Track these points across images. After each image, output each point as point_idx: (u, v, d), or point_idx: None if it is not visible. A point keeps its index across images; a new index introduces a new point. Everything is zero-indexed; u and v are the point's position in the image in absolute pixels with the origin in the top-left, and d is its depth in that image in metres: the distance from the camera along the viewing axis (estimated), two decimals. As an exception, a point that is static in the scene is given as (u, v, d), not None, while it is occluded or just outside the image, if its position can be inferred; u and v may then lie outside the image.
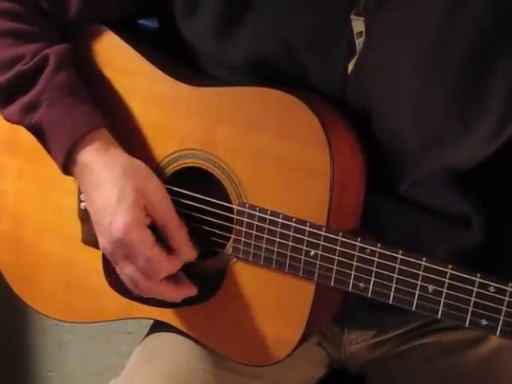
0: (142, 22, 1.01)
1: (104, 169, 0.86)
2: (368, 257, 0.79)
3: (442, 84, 0.81)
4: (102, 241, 0.86)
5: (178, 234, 0.86)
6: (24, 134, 0.94)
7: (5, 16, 0.91)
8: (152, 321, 1.01)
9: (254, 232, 0.84)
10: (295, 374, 0.99)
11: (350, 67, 0.83)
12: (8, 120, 0.93)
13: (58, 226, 0.99)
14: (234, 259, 0.87)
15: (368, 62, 0.82)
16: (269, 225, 0.83)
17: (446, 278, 0.76)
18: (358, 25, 0.81)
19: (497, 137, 0.85)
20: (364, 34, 0.81)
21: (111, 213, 0.84)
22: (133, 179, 0.85)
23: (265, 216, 0.83)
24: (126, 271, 0.86)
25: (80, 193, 0.96)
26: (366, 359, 1.01)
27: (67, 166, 0.89)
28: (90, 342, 1.72)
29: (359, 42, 0.81)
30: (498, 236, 0.93)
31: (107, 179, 0.86)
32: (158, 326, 0.98)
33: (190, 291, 0.88)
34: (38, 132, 0.90)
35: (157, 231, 0.86)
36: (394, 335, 1.00)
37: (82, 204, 0.96)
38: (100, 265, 0.96)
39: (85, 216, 0.96)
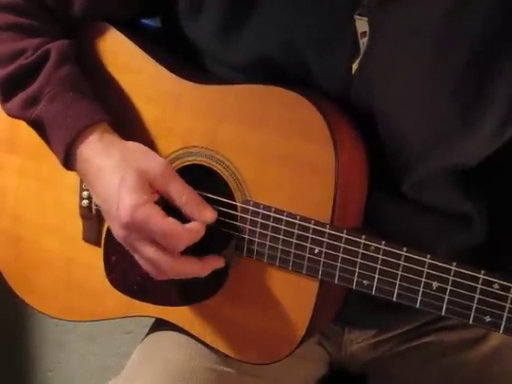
0: (143, 21, 1.01)
1: (103, 158, 0.86)
2: (372, 254, 0.79)
3: (445, 84, 0.82)
4: (115, 229, 0.86)
5: (189, 200, 0.84)
6: (24, 131, 0.95)
7: (7, 10, 0.91)
8: (152, 320, 1.01)
9: (258, 229, 0.84)
10: (296, 373, 0.99)
11: (354, 67, 0.83)
12: (9, 114, 0.93)
13: (58, 223, 0.99)
14: (238, 257, 0.87)
15: (372, 62, 0.82)
16: (273, 222, 0.83)
17: (450, 275, 0.76)
18: (361, 25, 0.81)
19: (499, 136, 0.85)
20: (368, 34, 0.81)
21: (116, 198, 0.83)
22: (132, 161, 0.85)
23: (269, 213, 0.83)
24: (145, 253, 0.84)
25: (81, 190, 0.96)
26: (367, 359, 1.02)
27: (68, 161, 0.88)
28: (90, 342, 1.72)
29: (363, 42, 0.82)
30: (499, 235, 0.94)
31: (107, 168, 0.85)
32: (159, 326, 0.98)
33: (217, 263, 0.86)
34: (38, 126, 0.90)
35: (172, 209, 0.85)
36: (395, 335, 1.00)
37: (84, 201, 0.96)
38: (101, 263, 0.96)
39: (86, 213, 0.96)
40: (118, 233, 0.85)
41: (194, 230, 0.83)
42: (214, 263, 0.86)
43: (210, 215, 0.85)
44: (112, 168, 0.85)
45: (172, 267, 0.84)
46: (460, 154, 0.86)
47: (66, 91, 0.88)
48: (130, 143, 0.88)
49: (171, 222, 0.82)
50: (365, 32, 0.81)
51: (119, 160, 0.85)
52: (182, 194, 0.84)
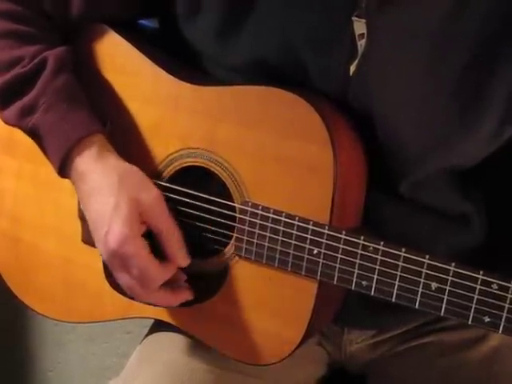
0: (141, 22, 1.01)
1: (99, 177, 0.86)
2: (371, 255, 0.79)
3: (443, 85, 0.82)
4: (101, 249, 0.87)
5: (172, 242, 0.86)
6: (23, 134, 0.94)
7: (5, 17, 0.91)
8: (152, 321, 1.01)
9: (257, 231, 0.84)
10: (296, 373, 0.99)
11: (352, 69, 0.83)
12: (6, 122, 0.93)
13: (57, 225, 0.99)
14: (236, 258, 0.86)
15: (370, 64, 0.82)
16: (271, 223, 0.83)
17: (449, 275, 0.76)
18: (359, 27, 0.81)
19: (498, 137, 0.85)
20: (366, 35, 0.81)
21: (107, 223, 0.84)
22: (128, 188, 0.86)
23: (267, 214, 0.83)
24: (122, 280, 0.87)
25: (80, 192, 0.96)
26: (366, 359, 1.02)
27: (63, 171, 0.89)
28: (89, 342, 1.72)
29: (361, 44, 0.82)
30: (498, 235, 0.94)
31: (102, 188, 0.86)
32: (158, 326, 0.98)
33: (186, 296, 0.89)
34: (35, 136, 0.90)
35: (152, 237, 0.87)
36: (394, 335, 1.00)
37: (83, 204, 0.96)
38: (100, 264, 0.95)
39: (85, 216, 0.96)
40: (103, 254, 0.87)
41: (168, 272, 0.86)
42: (184, 296, 0.89)
43: (182, 262, 0.87)
44: (107, 190, 0.86)
45: (144, 297, 0.88)
46: (458, 155, 0.86)
47: (61, 102, 0.87)
48: (129, 166, 0.88)
49: (152, 263, 0.85)
50: (363, 34, 0.81)
51: (116, 183, 0.86)
52: (166, 231, 0.86)
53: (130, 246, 0.84)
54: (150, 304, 0.90)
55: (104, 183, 0.86)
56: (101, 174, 0.86)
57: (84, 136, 0.87)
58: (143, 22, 1.01)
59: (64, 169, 0.88)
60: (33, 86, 0.88)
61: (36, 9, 0.91)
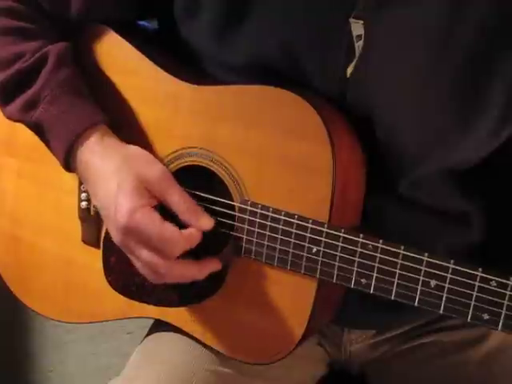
0: (140, 23, 1.02)
1: (103, 161, 0.87)
2: (370, 253, 0.79)
3: (441, 86, 0.82)
4: (113, 232, 0.86)
5: (187, 207, 0.85)
6: (23, 134, 0.95)
7: (5, 15, 0.91)
8: (152, 321, 1.01)
9: (256, 229, 0.84)
10: (295, 373, 0.99)
11: (350, 70, 0.83)
12: (9, 118, 0.93)
13: (57, 225, 0.99)
14: (236, 257, 0.87)
15: (367, 65, 0.82)
16: (271, 222, 0.83)
17: (448, 272, 0.76)
18: (357, 28, 0.81)
19: (496, 137, 0.86)
20: (363, 37, 0.81)
21: (114, 201, 0.84)
22: (132, 165, 0.85)
23: (267, 213, 0.83)
24: (142, 257, 0.85)
25: (80, 192, 0.96)
26: (366, 359, 1.02)
27: (69, 163, 0.89)
28: (89, 342, 1.72)
29: (358, 45, 0.82)
30: (498, 235, 0.94)
31: (107, 171, 0.86)
32: (158, 326, 0.98)
33: (214, 266, 0.86)
34: (38, 129, 0.90)
35: (169, 214, 0.85)
36: (394, 335, 1.00)
37: (83, 203, 0.96)
38: (100, 264, 0.96)
39: (85, 215, 0.97)
40: (116, 236, 0.86)
41: (190, 236, 0.84)
42: (212, 266, 0.86)
43: (206, 223, 0.85)
44: (111, 171, 0.86)
45: (169, 271, 0.85)
46: (457, 155, 0.86)
47: (64, 94, 0.88)
48: (132, 147, 0.88)
49: (168, 228, 0.83)
50: (360, 35, 0.81)
51: (120, 163, 0.86)
52: (179, 201, 0.85)
53: (140, 216, 0.83)
54: (174, 280, 0.86)
55: (107, 166, 0.86)
56: (104, 158, 0.86)
57: (88, 127, 0.87)
58: (143, 23, 1.02)
59: (68, 162, 0.88)
60: (35, 81, 0.88)
61: (35, 7, 0.91)
